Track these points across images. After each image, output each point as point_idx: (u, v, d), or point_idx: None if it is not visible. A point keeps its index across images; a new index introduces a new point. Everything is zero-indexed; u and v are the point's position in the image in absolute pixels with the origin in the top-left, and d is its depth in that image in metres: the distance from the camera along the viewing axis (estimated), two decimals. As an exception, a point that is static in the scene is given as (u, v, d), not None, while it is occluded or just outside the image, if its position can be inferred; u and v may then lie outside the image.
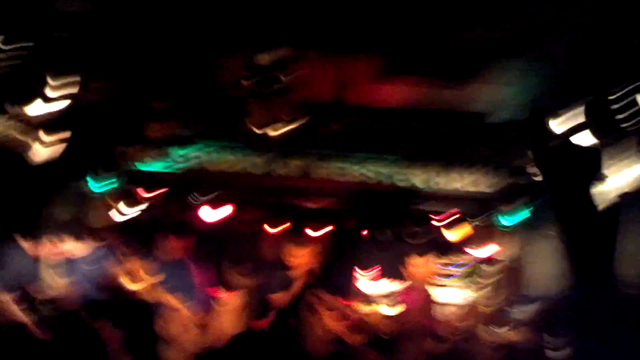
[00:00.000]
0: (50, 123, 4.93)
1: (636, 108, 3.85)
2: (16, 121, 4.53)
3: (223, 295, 5.94)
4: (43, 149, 5.11)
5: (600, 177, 5.03)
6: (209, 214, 7.65)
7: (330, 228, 8.05)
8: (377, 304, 7.68)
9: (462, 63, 4.44)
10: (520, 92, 5.10)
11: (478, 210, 6.98)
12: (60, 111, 4.60)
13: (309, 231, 7.76)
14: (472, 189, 6.40)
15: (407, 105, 5.54)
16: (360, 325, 5.59)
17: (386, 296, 7.78)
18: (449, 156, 6.29)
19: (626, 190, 5.04)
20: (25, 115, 4.32)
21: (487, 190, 6.38)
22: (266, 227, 7.98)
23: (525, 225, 6.44)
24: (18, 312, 4.70)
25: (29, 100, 4.17)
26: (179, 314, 5.14)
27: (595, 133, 4.13)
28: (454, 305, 6.47)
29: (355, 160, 6.51)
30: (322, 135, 5.91)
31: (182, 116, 5.65)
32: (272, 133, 4.50)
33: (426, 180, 6.50)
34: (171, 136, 5.87)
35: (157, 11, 4.10)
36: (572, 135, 4.29)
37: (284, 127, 4.48)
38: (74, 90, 4.32)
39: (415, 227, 7.52)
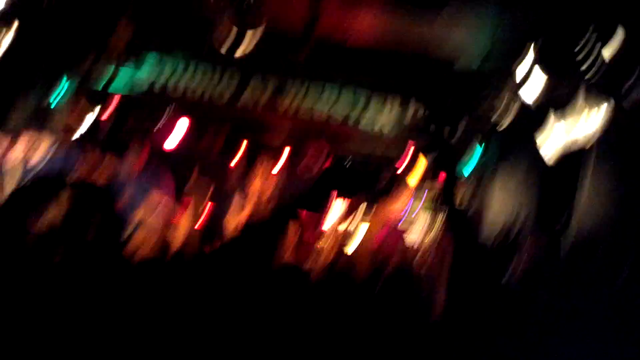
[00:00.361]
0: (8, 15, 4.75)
1: (598, 59, 3.85)
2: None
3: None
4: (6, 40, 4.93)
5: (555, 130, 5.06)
6: (167, 138, 7.54)
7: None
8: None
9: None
10: (486, 39, 5.07)
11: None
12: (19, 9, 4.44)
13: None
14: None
15: (375, 44, 5.48)
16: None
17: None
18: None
19: (582, 141, 5.09)
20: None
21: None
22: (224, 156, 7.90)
23: (482, 170, 6.49)
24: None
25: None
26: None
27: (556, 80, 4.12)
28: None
29: (323, 95, 6.40)
30: (290, 65, 5.81)
31: (146, 26, 5.46)
32: (237, 53, 4.38)
33: (388, 123, 6.45)
34: (133, 48, 5.67)
35: None
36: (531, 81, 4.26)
37: (249, 47, 4.36)
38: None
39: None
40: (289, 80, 6.28)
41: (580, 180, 5.72)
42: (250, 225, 5.99)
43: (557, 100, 5.30)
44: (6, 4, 4.38)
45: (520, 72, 4.78)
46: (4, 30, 4.89)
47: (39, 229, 4.06)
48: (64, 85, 6.19)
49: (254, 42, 4.56)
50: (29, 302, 2.08)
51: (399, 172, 7.49)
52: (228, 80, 6.33)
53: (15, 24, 4.91)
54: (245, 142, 7.98)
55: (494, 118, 5.44)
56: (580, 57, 4.02)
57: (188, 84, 6.33)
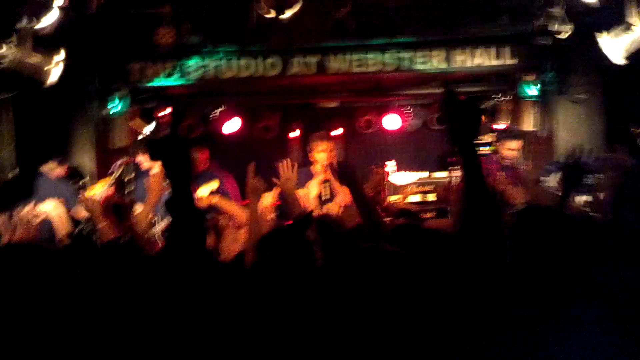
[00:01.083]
0: (59, 40, 4.85)
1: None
2: (29, 40, 4.44)
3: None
4: (56, 70, 5.04)
5: (628, 26, 4.87)
6: (225, 125, 7.63)
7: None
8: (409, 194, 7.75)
9: None
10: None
11: (501, 84, 6.84)
12: (67, 24, 4.53)
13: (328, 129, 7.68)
14: (494, 62, 6.22)
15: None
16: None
17: (417, 186, 7.84)
18: (465, 31, 6.07)
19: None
20: (35, 30, 4.24)
21: (510, 62, 6.20)
22: (286, 131, 7.96)
23: (552, 92, 6.32)
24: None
25: (37, 12, 4.08)
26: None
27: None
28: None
29: (371, 48, 6.31)
30: (334, 23, 5.75)
31: (187, 21, 5.49)
32: (283, 16, 4.36)
33: (446, 60, 6.31)
34: (179, 45, 5.72)
35: None
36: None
37: (294, 8, 4.33)
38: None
39: (438, 113, 7.43)
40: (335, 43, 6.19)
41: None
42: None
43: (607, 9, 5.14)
44: (53, 26, 4.45)
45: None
46: (56, 53, 4.99)
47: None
48: (118, 96, 6.31)
49: (294, 11, 4.52)
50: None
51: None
52: (274, 59, 6.29)
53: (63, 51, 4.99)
54: (300, 122, 8.08)
55: (552, 31, 5.26)
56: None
57: (237, 71, 6.31)
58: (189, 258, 2.09)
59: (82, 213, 4.83)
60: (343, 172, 3.64)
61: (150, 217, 4.12)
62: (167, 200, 2.14)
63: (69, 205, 4.96)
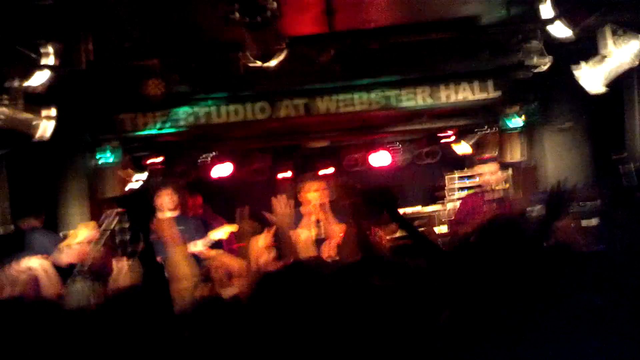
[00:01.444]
0: (50, 96, 4.92)
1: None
2: (20, 98, 4.51)
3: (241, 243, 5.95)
4: (48, 125, 5.10)
5: (605, 55, 4.99)
6: (217, 170, 7.72)
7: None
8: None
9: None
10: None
11: (485, 117, 6.96)
12: (57, 80, 4.61)
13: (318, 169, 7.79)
14: (478, 96, 6.34)
15: (396, 21, 5.49)
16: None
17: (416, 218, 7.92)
18: (452, 67, 6.20)
19: (632, 63, 5.02)
20: (26, 88, 4.31)
21: (493, 95, 6.32)
22: (276, 173, 8.04)
23: (536, 122, 6.44)
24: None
25: (27, 72, 4.16)
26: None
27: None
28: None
29: (356, 88, 6.43)
30: (319, 67, 5.86)
31: (176, 71, 5.60)
32: (268, 65, 4.46)
33: (431, 97, 6.43)
34: (168, 95, 5.81)
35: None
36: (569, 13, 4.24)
37: (279, 56, 4.43)
38: (67, 56, 4.31)
39: (426, 148, 7.57)
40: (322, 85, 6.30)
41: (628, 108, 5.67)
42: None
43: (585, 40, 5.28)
44: (45, 84, 4.53)
45: (544, 14, 4.76)
46: (47, 109, 5.05)
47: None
48: (109, 147, 6.38)
49: (282, 50, 4.61)
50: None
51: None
52: (263, 104, 6.40)
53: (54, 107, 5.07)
54: (291, 163, 8.17)
55: (531, 64, 5.39)
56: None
57: (226, 117, 6.41)
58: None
59: (64, 260, 4.89)
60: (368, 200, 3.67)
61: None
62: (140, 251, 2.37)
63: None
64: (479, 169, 7.36)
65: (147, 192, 6.59)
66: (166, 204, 6.06)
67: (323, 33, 5.45)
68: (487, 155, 7.02)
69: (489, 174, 5.94)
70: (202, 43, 5.60)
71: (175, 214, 6.10)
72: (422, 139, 7.71)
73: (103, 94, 6.00)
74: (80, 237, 4.83)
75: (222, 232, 5.87)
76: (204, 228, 6.09)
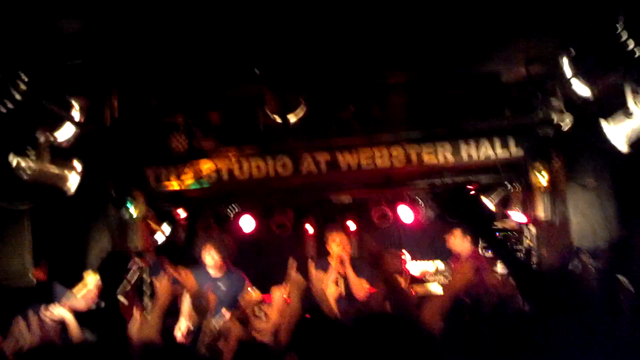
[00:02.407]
0: (76, 150, 5.05)
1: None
2: (47, 152, 4.64)
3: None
4: (74, 179, 5.22)
5: (627, 113, 4.96)
6: (245, 223, 7.75)
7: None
8: (428, 282, 7.75)
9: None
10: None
11: (508, 174, 6.92)
12: (84, 135, 4.74)
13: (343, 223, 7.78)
14: (500, 153, 6.32)
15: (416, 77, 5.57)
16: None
17: (434, 274, 7.83)
18: (473, 124, 6.22)
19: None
20: (56, 142, 4.43)
21: (515, 152, 6.30)
22: (298, 228, 8.05)
23: (561, 179, 6.37)
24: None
25: (57, 125, 4.29)
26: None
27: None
28: (499, 272, 6.41)
29: (378, 144, 6.47)
30: (340, 123, 5.94)
31: (199, 127, 5.72)
32: (292, 119, 4.54)
33: (453, 153, 6.43)
34: (192, 150, 5.93)
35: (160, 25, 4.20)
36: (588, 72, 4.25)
37: (298, 112, 4.51)
38: (93, 112, 4.45)
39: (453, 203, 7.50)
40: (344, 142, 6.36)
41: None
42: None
43: (607, 100, 5.28)
44: (70, 140, 4.66)
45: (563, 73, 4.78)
46: (73, 163, 5.18)
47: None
48: (135, 201, 6.48)
49: (299, 115, 4.70)
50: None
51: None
52: (285, 160, 6.47)
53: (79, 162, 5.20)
54: (313, 218, 8.20)
55: (552, 122, 5.38)
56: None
57: (249, 173, 6.48)
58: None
59: (79, 306, 4.97)
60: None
61: (158, 321, 4.19)
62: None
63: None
64: (503, 224, 7.33)
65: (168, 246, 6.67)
66: (207, 262, 6.21)
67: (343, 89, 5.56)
68: (514, 212, 6.98)
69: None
70: (225, 99, 5.75)
71: (217, 271, 6.20)
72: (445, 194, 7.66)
73: (129, 149, 6.14)
74: (90, 284, 4.92)
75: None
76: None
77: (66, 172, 5.17)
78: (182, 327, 5.67)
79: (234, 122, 6.00)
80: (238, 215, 7.78)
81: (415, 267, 7.87)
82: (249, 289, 5.95)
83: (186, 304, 5.66)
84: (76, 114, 4.38)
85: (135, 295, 6.44)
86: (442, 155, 6.44)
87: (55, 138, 4.40)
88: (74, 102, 4.37)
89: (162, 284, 4.30)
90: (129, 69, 4.49)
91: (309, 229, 8.10)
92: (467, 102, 5.84)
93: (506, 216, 7.33)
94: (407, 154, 6.42)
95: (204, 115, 5.66)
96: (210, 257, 6.24)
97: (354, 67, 5.04)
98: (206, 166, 6.49)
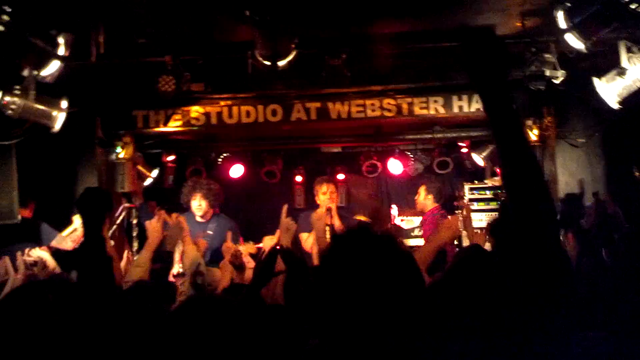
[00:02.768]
0: (62, 88, 4.99)
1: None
2: (33, 88, 4.57)
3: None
4: (63, 115, 5.17)
5: (621, 71, 4.93)
6: (234, 170, 7.73)
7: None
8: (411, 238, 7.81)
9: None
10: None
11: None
12: (70, 72, 4.67)
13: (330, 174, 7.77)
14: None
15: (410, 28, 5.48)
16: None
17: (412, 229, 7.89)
18: (465, 77, 6.14)
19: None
20: (40, 77, 4.37)
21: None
22: (287, 177, 8.04)
23: (551, 136, 6.36)
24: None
25: (42, 60, 4.22)
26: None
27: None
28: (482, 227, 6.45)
29: (369, 95, 6.41)
30: (331, 72, 5.86)
31: (188, 70, 5.63)
32: (281, 63, 4.47)
33: (444, 106, 6.39)
34: (182, 93, 5.85)
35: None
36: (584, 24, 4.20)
37: (288, 57, 4.44)
38: (79, 48, 4.37)
39: (443, 157, 7.50)
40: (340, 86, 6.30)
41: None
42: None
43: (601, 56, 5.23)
44: (55, 75, 4.59)
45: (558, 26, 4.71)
46: (60, 100, 5.12)
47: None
48: (123, 143, 6.44)
49: (289, 60, 4.63)
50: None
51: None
52: (275, 106, 6.42)
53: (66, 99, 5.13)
54: (303, 167, 8.17)
55: (544, 77, 5.33)
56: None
57: (238, 118, 6.43)
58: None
59: (67, 247, 4.99)
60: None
61: (147, 262, 4.22)
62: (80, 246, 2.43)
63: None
64: (492, 181, 7.34)
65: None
66: (195, 209, 6.26)
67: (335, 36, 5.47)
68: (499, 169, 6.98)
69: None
70: (215, 42, 5.65)
71: (205, 217, 6.27)
72: (435, 149, 7.64)
73: (116, 89, 6.07)
74: (77, 223, 4.93)
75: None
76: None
77: (52, 109, 5.12)
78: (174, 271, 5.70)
79: (224, 66, 5.91)
80: (227, 161, 7.75)
81: (402, 223, 7.90)
82: (241, 246, 5.93)
83: (178, 249, 5.63)
84: (61, 49, 4.30)
85: (123, 236, 6.47)
86: (433, 107, 6.41)
87: (40, 73, 4.32)
88: (59, 37, 4.28)
89: (152, 226, 4.32)
90: (117, 4, 4.39)
91: (298, 178, 8.09)
92: (460, 55, 5.75)
93: (495, 173, 7.34)
94: (398, 105, 6.39)
95: (193, 58, 5.56)
96: (198, 204, 6.25)
97: (346, 14, 4.94)
98: (195, 110, 6.44)
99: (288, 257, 3.18)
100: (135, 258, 5.19)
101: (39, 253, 4.85)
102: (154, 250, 4.36)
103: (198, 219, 6.28)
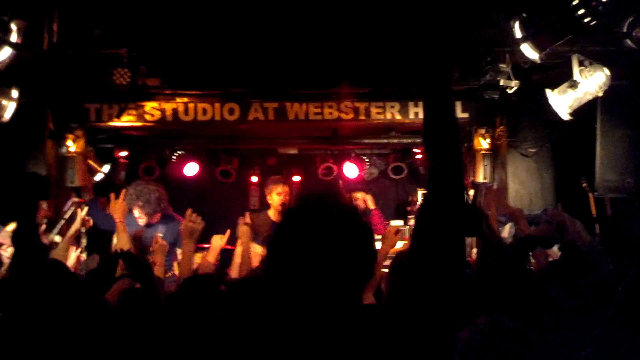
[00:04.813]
0: (13, 77, 4.86)
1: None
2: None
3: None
4: (13, 105, 5.03)
5: (572, 84, 5.07)
6: (188, 168, 7.64)
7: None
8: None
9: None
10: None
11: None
12: (22, 61, 4.55)
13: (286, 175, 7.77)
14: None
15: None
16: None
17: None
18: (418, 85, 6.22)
19: (596, 94, 5.11)
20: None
21: (462, 115, 6.36)
22: (243, 177, 7.99)
23: (502, 145, 6.49)
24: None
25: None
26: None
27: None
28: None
29: (327, 97, 6.43)
30: (293, 72, 5.87)
31: (144, 63, 5.55)
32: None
33: (401, 112, 6.46)
34: (138, 87, 5.76)
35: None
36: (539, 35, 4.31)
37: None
38: (35, 35, 4.27)
39: (398, 162, 7.58)
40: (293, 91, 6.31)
41: (598, 137, 5.75)
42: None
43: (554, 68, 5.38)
44: (5, 62, 4.45)
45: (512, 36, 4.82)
46: (10, 90, 4.99)
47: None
48: (74, 136, 6.29)
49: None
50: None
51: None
52: (233, 105, 6.38)
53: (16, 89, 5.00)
54: (258, 168, 8.15)
55: (498, 86, 5.45)
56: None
57: (195, 115, 6.36)
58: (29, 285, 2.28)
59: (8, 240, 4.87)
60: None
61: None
62: (12, 234, 2.41)
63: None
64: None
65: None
66: (135, 215, 5.79)
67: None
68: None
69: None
70: (174, 37, 5.58)
71: (150, 221, 5.88)
72: (390, 154, 7.71)
73: (69, 80, 5.93)
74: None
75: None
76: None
77: (1, 98, 4.98)
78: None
79: (180, 61, 5.84)
80: (181, 159, 7.65)
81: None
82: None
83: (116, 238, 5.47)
84: (14, 35, 4.18)
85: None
86: (390, 113, 6.46)
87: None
88: (11, 24, 4.16)
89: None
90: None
91: (254, 178, 8.05)
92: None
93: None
94: (355, 109, 6.42)
95: (149, 51, 5.47)
96: (138, 215, 5.81)
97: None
98: (150, 105, 6.34)
99: (129, 261, 3.18)
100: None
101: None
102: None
103: (141, 222, 5.86)
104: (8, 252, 4.81)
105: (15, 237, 2.40)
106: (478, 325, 2.10)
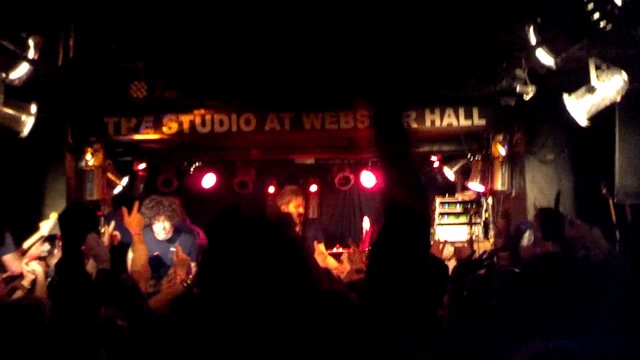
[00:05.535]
0: (32, 92, 4.92)
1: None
2: (1, 92, 4.49)
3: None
4: (32, 120, 5.09)
5: (590, 89, 5.01)
6: (206, 179, 7.69)
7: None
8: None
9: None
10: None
11: (470, 145, 6.96)
12: (40, 76, 4.61)
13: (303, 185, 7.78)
14: (463, 123, 6.34)
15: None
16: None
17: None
18: (436, 92, 6.21)
19: (614, 99, 5.04)
20: (9, 80, 4.29)
21: (478, 122, 6.32)
22: (260, 187, 8.02)
23: (520, 152, 6.43)
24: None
25: (10, 63, 4.15)
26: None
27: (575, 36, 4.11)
28: (455, 242, 6.49)
29: (343, 106, 6.42)
30: (308, 82, 5.88)
31: (165, 76, 5.59)
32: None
33: (417, 120, 6.44)
34: (155, 100, 5.79)
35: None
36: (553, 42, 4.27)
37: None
38: (52, 51, 4.32)
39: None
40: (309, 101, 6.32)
41: (617, 142, 5.67)
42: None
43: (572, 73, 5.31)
44: (24, 79, 4.51)
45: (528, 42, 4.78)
46: (29, 105, 5.05)
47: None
48: (93, 149, 6.36)
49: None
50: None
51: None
52: (249, 115, 6.40)
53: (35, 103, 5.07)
54: (275, 178, 8.17)
55: (515, 92, 5.40)
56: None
57: (212, 127, 6.38)
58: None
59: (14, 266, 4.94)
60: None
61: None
62: (58, 262, 2.45)
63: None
64: (462, 195, 7.39)
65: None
66: (159, 232, 5.73)
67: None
68: (474, 183, 7.05)
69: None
70: (190, 49, 5.61)
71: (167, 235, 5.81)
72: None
73: (87, 94, 6.00)
74: (44, 231, 4.86)
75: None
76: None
77: (21, 113, 5.04)
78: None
79: (196, 72, 5.88)
80: (199, 170, 7.70)
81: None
82: None
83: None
84: (31, 52, 4.23)
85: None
86: (406, 121, 6.44)
87: (8, 76, 4.25)
88: (29, 40, 4.21)
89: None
90: (89, 7, 4.34)
91: (271, 189, 8.07)
92: (434, 69, 5.80)
93: (466, 188, 7.40)
94: (371, 117, 6.40)
95: (166, 63, 5.51)
96: (162, 227, 5.72)
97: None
98: (167, 118, 6.38)
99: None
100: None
101: (34, 266, 4.77)
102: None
103: (159, 238, 5.76)
104: (30, 266, 4.86)
105: (60, 266, 2.47)
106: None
